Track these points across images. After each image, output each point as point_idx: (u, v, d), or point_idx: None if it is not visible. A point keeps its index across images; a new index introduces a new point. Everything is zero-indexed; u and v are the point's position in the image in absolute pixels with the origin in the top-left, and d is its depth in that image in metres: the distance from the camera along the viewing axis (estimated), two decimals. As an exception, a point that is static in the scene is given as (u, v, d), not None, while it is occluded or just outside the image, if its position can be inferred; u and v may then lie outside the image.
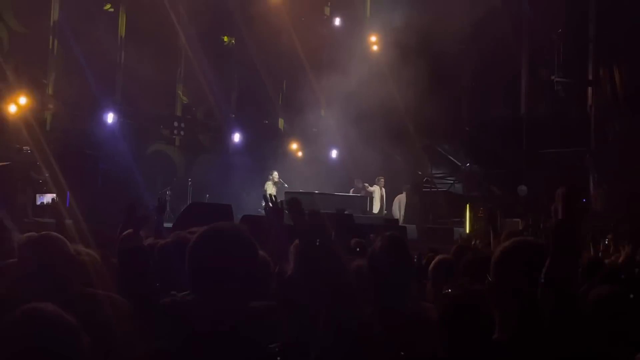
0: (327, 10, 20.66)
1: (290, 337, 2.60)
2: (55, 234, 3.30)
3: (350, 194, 17.45)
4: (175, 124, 18.34)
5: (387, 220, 16.13)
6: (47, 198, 12.14)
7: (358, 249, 5.79)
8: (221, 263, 2.32)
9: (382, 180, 18.08)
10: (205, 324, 2.29)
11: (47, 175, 12.35)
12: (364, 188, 17.84)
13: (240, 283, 2.32)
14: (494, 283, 2.24)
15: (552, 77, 19.26)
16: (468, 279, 3.21)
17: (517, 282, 2.15)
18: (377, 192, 18.06)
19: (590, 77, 18.94)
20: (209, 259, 2.33)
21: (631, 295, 3.30)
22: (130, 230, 5.36)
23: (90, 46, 15.42)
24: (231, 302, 2.30)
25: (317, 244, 2.78)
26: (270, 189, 17.37)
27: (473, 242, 7.33)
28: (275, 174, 17.55)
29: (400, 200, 18.29)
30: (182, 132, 18.39)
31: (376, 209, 17.92)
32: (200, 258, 2.35)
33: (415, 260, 4.94)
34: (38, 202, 12.65)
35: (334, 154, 20.08)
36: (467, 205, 18.14)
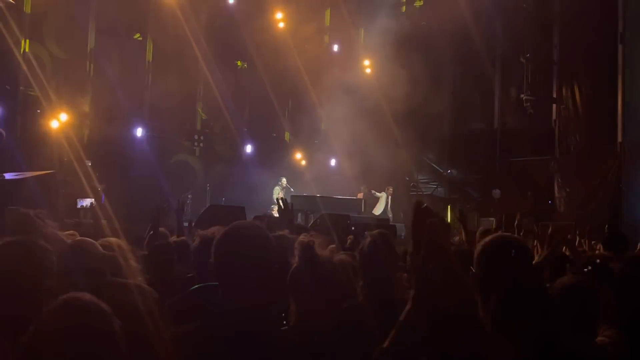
0: (326, 39, 20.65)
1: (296, 322, 2.58)
2: (87, 239, 3.31)
3: (347, 197, 17.44)
4: (195, 136, 18.38)
5: (379, 220, 16.11)
6: (86, 202, 12.14)
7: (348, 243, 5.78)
8: (244, 256, 2.29)
9: (391, 189, 18.33)
10: (229, 313, 2.27)
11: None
12: (372, 194, 18.10)
13: (260, 274, 2.30)
14: (477, 274, 2.22)
15: (522, 96, 19.29)
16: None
17: (497, 273, 2.13)
18: (384, 198, 18.25)
19: (554, 95, 18.95)
20: (233, 253, 2.31)
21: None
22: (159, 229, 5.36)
23: (121, 69, 15.44)
24: (253, 291, 2.27)
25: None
26: (278, 193, 17.41)
27: (455, 239, 7.30)
28: (284, 180, 17.58)
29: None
30: (201, 144, 18.43)
31: (378, 211, 18.07)
32: (225, 252, 2.32)
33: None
34: (78, 205, 12.63)
35: (333, 162, 20.12)
36: (449, 206, 18.13)
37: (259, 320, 2.25)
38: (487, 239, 2.27)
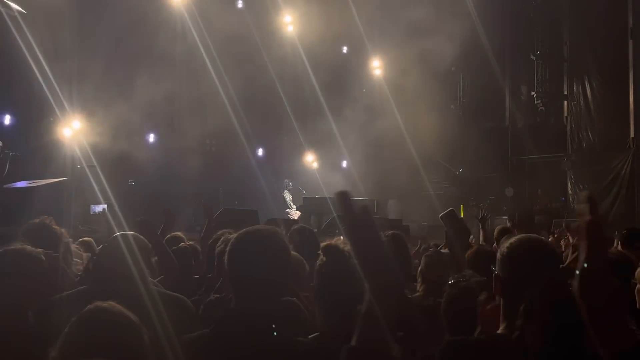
0: (335, 40, 20.53)
1: (326, 328, 2.48)
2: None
3: (359, 198, 17.32)
4: (207, 140, 18.36)
5: (391, 220, 15.98)
6: (99, 208, 12.11)
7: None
8: (260, 261, 2.19)
9: None
10: (239, 317, 2.19)
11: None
12: None
13: (275, 280, 2.21)
14: (501, 276, 2.09)
15: (532, 93, 19.19)
16: (472, 270, 3.09)
17: (523, 276, 2.00)
18: None
19: (565, 92, 18.81)
20: (248, 258, 2.21)
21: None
22: (174, 233, 5.30)
23: (132, 75, 15.38)
24: (267, 297, 2.19)
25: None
26: (287, 197, 17.37)
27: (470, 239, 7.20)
28: (289, 182, 17.56)
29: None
30: (213, 148, 18.41)
31: None
32: (241, 257, 2.23)
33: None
34: (92, 212, 12.62)
35: (344, 164, 20.07)
36: (462, 205, 18.01)
37: (270, 329, 2.15)
38: (513, 240, 2.13)
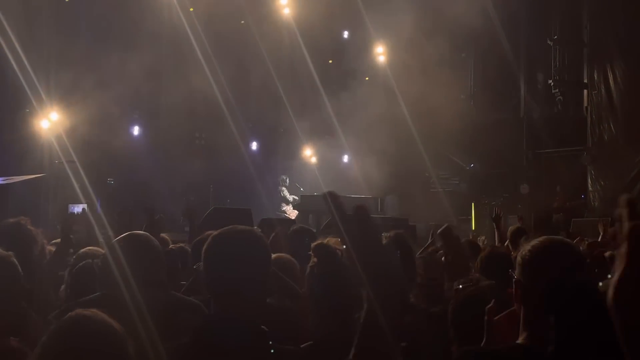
0: (336, 25, 20.47)
1: (319, 334, 2.49)
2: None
3: (361, 196, 17.26)
4: (197, 134, 18.33)
5: (396, 220, 15.93)
6: (78, 208, 12.07)
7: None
8: (236, 263, 2.22)
9: None
10: (220, 323, 2.19)
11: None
12: None
13: (254, 282, 2.23)
14: (522, 283, 2.04)
15: (549, 81, 19.15)
16: (480, 274, 3.08)
17: (548, 282, 1.94)
18: None
19: (585, 80, 18.78)
20: (224, 259, 2.24)
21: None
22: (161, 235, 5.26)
23: (116, 64, 15.34)
24: (246, 300, 2.19)
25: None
26: (285, 192, 17.33)
27: (481, 239, 7.19)
28: (286, 178, 17.50)
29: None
30: (203, 142, 18.36)
31: None
32: (217, 259, 2.26)
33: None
34: (69, 212, 12.57)
35: (345, 159, 20.03)
36: (472, 204, 17.99)
37: (255, 334, 2.16)
38: (535, 242, 2.08)
